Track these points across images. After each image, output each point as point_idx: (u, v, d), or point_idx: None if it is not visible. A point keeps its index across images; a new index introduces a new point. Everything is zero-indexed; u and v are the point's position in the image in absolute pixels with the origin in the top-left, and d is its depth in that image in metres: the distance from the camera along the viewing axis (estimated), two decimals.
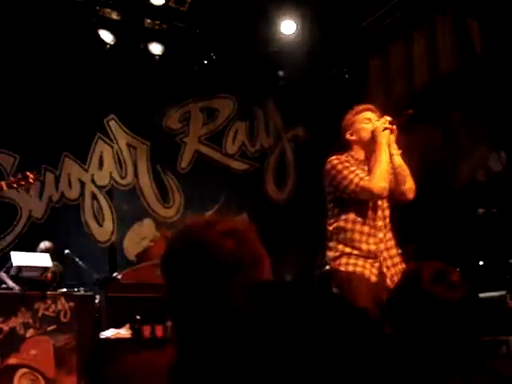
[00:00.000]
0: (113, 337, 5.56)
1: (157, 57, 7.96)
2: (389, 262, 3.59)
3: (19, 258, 6.02)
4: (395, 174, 3.72)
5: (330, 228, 3.66)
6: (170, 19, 7.88)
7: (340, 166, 3.66)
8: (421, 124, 7.89)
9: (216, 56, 8.36)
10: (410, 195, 3.73)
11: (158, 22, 7.92)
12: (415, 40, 8.05)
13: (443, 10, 7.26)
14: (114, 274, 6.84)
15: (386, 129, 3.66)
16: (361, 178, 3.58)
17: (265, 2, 7.53)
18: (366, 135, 3.77)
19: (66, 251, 6.79)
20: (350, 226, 3.59)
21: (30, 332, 5.32)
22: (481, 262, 6.23)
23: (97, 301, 6.03)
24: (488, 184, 7.02)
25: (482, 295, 5.48)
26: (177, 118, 8.66)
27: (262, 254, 1.52)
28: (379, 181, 3.57)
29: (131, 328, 5.61)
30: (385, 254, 3.60)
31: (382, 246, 3.59)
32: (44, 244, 6.74)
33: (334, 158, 3.74)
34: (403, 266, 3.61)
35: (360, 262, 3.55)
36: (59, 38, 7.48)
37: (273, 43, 8.24)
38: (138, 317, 5.62)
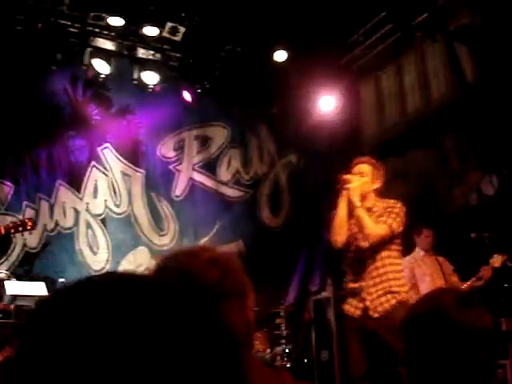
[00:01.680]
0: None
1: (151, 86, 8.02)
2: (370, 297, 4.21)
3: (13, 287, 5.99)
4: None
5: None
6: (164, 49, 7.97)
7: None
8: (414, 149, 7.97)
9: (209, 84, 8.43)
10: (363, 243, 4.30)
11: (151, 52, 8.01)
12: (406, 67, 8.16)
13: (433, 36, 7.36)
14: None
15: (341, 189, 4.35)
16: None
17: (258, 30, 7.63)
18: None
19: (61, 280, 6.77)
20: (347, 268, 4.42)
21: None
22: None
23: None
24: (480, 208, 7.06)
25: None
26: (171, 146, 8.70)
27: (246, 283, 1.53)
28: (331, 234, 4.33)
29: None
30: (367, 291, 4.21)
31: (363, 283, 4.22)
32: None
33: None
34: (387, 296, 4.21)
35: (346, 305, 4.31)
36: (53, 69, 7.56)
37: (266, 71, 8.33)
38: None
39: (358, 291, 4.14)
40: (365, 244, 4.27)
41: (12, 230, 5.54)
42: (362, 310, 4.15)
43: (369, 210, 4.38)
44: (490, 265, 5.91)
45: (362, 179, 4.38)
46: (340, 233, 4.24)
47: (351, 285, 4.21)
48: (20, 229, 5.55)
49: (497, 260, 5.90)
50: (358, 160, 4.51)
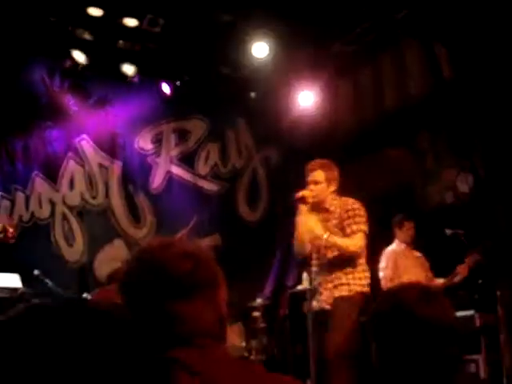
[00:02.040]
0: None
1: (129, 77, 7.98)
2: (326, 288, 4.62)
3: None
4: None
5: None
6: (143, 40, 7.92)
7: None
8: (390, 146, 8.03)
9: (188, 77, 8.40)
10: (331, 254, 4.68)
11: (130, 43, 7.95)
12: (384, 64, 8.20)
13: (412, 34, 7.41)
14: (84, 295, 6.78)
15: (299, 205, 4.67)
16: None
17: (238, 25, 7.61)
18: None
19: (36, 271, 6.72)
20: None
21: None
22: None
23: None
24: (456, 206, 7.15)
25: None
26: (149, 138, 8.66)
27: (218, 276, 1.55)
28: (294, 248, 4.80)
29: None
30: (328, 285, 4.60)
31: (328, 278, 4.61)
32: None
33: None
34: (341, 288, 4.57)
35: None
36: (30, 59, 7.49)
37: (245, 65, 8.32)
38: None
39: (317, 287, 4.53)
40: (334, 253, 4.59)
41: None
42: (319, 303, 4.60)
43: (326, 210, 4.59)
44: (466, 263, 5.98)
45: (317, 188, 4.59)
46: (302, 248, 4.62)
47: (315, 282, 4.54)
48: (1, 236, 5.49)
49: (471, 259, 5.98)
50: (310, 167, 4.67)
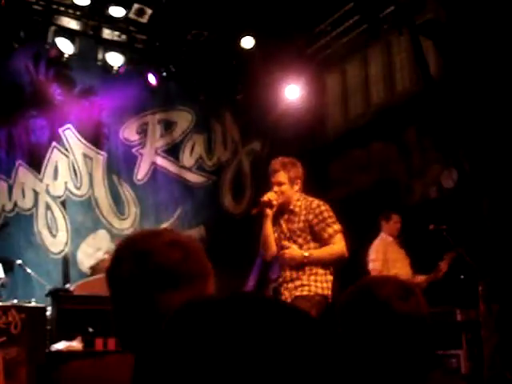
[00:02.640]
0: (64, 349, 5.49)
1: (115, 67, 7.92)
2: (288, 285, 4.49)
3: None
4: None
5: None
6: (130, 30, 7.87)
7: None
8: (376, 141, 8.05)
9: (175, 68, 8.36)
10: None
11: (117, 33, 7.90)
12: (372, 58, 8.22)
13: (399, 29, 7.42)
14: (67, 286, 6.76)
15: (265, 210, 4.56)
16: None
17: (225, 16, 7.58)
18: None
19: (18, 261, 6.67)
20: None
21: None
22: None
23: (48, 313, 5.93)
24: (440, 201, 7.18)
25: (431, 309, 5.58)
26: (134, 129, 8.62)
27: (207, 267, 1.53)
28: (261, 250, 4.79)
29: (83, 340, 5.54)
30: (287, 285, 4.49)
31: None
32: None
33: None
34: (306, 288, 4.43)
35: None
36: (15, 47, 7.41)
37: (232, 57, 8.30)
38: (90, 329, 5.56)
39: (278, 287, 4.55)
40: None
41: None
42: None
43: (291, 211, 4.51)
44: (446, 259, 6.02)
45: (280, 189, 4.47)
46: (269, 249, 4.63)
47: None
48: None
49: (451, 255, 6.01)
50: (272, 167, 4.54)
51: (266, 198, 4.45)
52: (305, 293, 4.38)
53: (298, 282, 4.43)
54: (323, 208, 4.44)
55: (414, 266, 6.43)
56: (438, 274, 6.12)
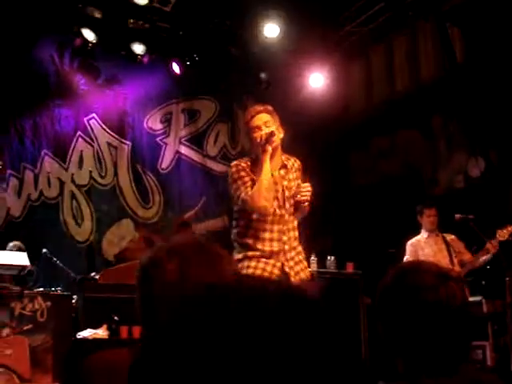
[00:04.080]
0: (90, 337, 5.53)
1: (139, 57, 7.93)
2: (291, 263, 3.69)
3: None
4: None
5: (235, 231, 3.78)
6: (154, 19, 7.86)
7: (235, 175, 3.78)
8: (401, 129, 7.97)
9: (198, 57, 8.34)
10: (292, 216, 3.77)
11: (141, 22, 7.89)
12: (397, 45, 8.12)
13: (425, 16, 7.31)
14: (92, 274, 6.79)
15: (265, 145, 3.66)
16: (246, 192, 3.67)
17: (248, 4, 7.54)
18: (254, 145, 3.79)
19: (44, 250, 6.73)
20: (250, 232, 3.68)
21: (6, 331, 5.27)
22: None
23: (74, 301, 5.98)
24: (466, 190, 7.09)
25: None
26: (158, 118, 8.63)
27: (204, 276, 1.50)
28: (258, 200, 3.60)
29: (108, 329, 5.57)
30: (287, 256, 3.68)
31: (286, 247, 3.69)
32: (13, 244, 6.68)
33: (233, 164, 3.88)
34: (305, 263, 3.78)
35: (261, 264, 3.61)
36: (40, 37, 7.45)
37: (256, 45, 8.25)
38: (115, 317, 5.59)
39: (276, 254, 3.66)
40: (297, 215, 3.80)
41: None
42: (282, 271, 3.65)
43: (284, 165, 3.85)
44: (497, 238, 5.86)
45: (271, 129, 3.74)
46: (268, 198, 3.62)
47: (270, 248, 3.65)
48: None
49: (504, 232, 5.84)
50: (252, 112, 3.85)
51: (269, 129, 3.70)
52: (307, 273, 3.84)
53: (297, 257, 3.78)
54: (298, 163, 3.92)
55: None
56: (487, 254, 5.97)
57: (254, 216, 3.69)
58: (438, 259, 6.05)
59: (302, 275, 3.70)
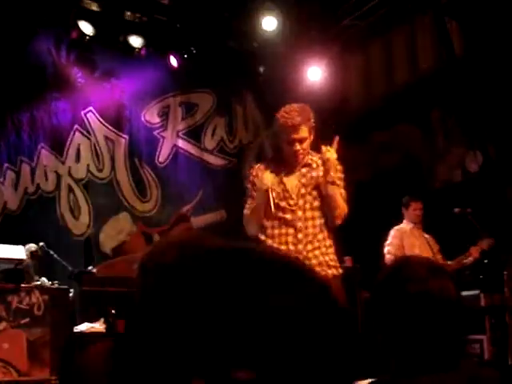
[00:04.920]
0: (87, 331, 5.52)
1: (136, 49, 7.90)
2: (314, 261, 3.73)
3: None
4: (326, 202, 3.84)
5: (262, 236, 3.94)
6: (151, 12, 7.83)
7: (249, 185, 3.99)
8: (400, 123, 7.96)
9: (196, 50, 8.32)
10: (338, 221, 3.87)
11: (138, 15, 7.86)
12: (395, 39, 8.10)
13: (423, 9, 7.29)
14: (89, 268, 6.79)
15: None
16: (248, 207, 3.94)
17: None
18: (285, 146, 3.94)
19: (41, 244, 6.71)
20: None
21: (3, 325, 5.26)
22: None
23: (71, 294, 5.97)
24: (464, 184, 7.09)
25: None
26: (156, 112, 8.60)
27: None
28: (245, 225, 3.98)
29: (106, 322, 5.57)
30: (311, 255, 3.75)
31: (300, 246, 3.75)
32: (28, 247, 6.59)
33: (255, 168, 4.06)
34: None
35: None
36: (37, 30, 7.41)
37: (254, 39, 8.23)
38: (112, 311, 5.58)
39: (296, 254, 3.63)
40: (337, 222, 3.88)
41: None
42: None
43: (308, 165, 3.95)
44: (478, 245, 5.92)
45: (303, 146, 3.88)
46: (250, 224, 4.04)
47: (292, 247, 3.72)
48: None
49: (485, 242, 5.91)
50: (293, 122, 3.83)
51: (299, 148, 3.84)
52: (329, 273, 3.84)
53: (320, 258, 3.82)
54: (334, 157, 3.93)
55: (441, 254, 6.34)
56: (467, 260, 6.03)
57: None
58: (422, 251, 6.08)
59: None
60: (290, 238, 3.76)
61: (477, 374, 1.58)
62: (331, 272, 3.79)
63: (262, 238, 3.81)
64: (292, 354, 0.66)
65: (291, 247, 3.72)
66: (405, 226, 6.38)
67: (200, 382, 0.65)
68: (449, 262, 6.11)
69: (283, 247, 3.70)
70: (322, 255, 3.80)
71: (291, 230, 3.77)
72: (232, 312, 0.68)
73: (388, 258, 6.12)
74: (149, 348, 0.70)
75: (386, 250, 6.26)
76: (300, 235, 3.77)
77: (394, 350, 1.60)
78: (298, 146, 3.83)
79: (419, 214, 6.33)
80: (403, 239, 6.27)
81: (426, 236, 6.32)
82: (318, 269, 3.66)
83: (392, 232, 6.35)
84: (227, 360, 0.65)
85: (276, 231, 3.81)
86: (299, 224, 3.79)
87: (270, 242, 3.74)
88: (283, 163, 3.95)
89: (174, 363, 0.68)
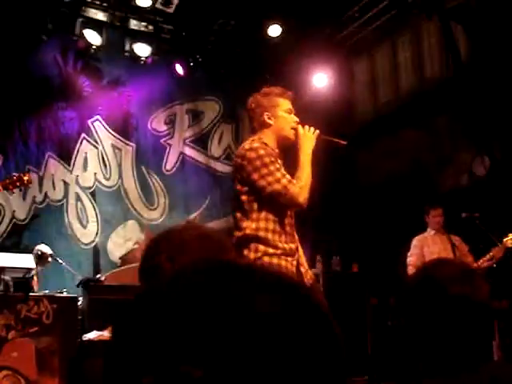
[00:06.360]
0: (96, 339, 5.53)
1: (143, 58, 7.93)
2: (302, 259, 3.46)
3: (1, 259, 5.96)
4: None
5: (253, 226, 3.38)
6: (157, 21, 7.87)
7: (266, 159, 3.38)
8: (406, 128, 7.94)
9: (202, 58, 8.34)
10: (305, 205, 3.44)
11: (144, 24, 7.90)
12: (401, 45, 8.10)
13: (429, 15, 7.29)
14: (98, 276, 6.80)
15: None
16: (289, 181, 3.36)
17: (252, 4, 7.53)
18: (287, 127, 3.71)
19: (50, 252, 6.73)
20: (271, 226, 3.35)
21: (12, 334, 5.27)
22: None
23: (80, 303, 5.99)
24: (471, 189, 7.07)
25: None
26: (162, 119, 8.63)
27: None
28: (305, 192, 3.36)
29: None
30: (300, 252, 3.46)
31: (297, 244, 3.47)
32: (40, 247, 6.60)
33: (257, 146, 3.43)
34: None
35: (283, 262, 3.32)
36: (44, 39, 7.46)
37: (259, 46, 8.25)
38: None
39: (294, 252, 3.40)
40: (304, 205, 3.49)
41: (11, 187, 5.41)
42: (297, 269, 3.39)
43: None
44: (503, 245, 5.87)
45: None
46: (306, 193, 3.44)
47: (288, 245, 3.36)
48: (17, 184, 5.42)
49: (510, 240, 5.84)
50: (284, 94, 3.86)
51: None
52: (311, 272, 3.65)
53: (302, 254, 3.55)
54: None
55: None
56: (491, 261, 5.97)
57: (279, 208, 3.39)
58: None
59: (309, 274, 3.52)
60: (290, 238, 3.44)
61: (498, 375, 1.58)
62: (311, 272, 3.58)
63: (269, 236, 3.37)
64: (245, 353, 0.66)
65: (292, 245, 3.41)
66: (426, 233, 6.39)
67: (149, 379, 0.65)
68: (477, 263, 6.05)
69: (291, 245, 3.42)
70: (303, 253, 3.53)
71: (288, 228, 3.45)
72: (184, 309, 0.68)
73: (410, 269, 6.12)
74: (109, 349, 0.72)
75: (407, 260, 6.30)
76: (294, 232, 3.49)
77: (424, 351, 1.61)
78: (294, 118, 3.75)
79: (439, 221, 6.32)
80: (423, 247, 6.28)
81: (454, 239, 6.25)
82: (306, 266, 3.50)
83: (413, 242, 6.39)
84: (177, 356, 0.65)
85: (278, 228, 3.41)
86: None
87: (278, 239, 3.38)
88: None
89: (126, 360, 0.68)
